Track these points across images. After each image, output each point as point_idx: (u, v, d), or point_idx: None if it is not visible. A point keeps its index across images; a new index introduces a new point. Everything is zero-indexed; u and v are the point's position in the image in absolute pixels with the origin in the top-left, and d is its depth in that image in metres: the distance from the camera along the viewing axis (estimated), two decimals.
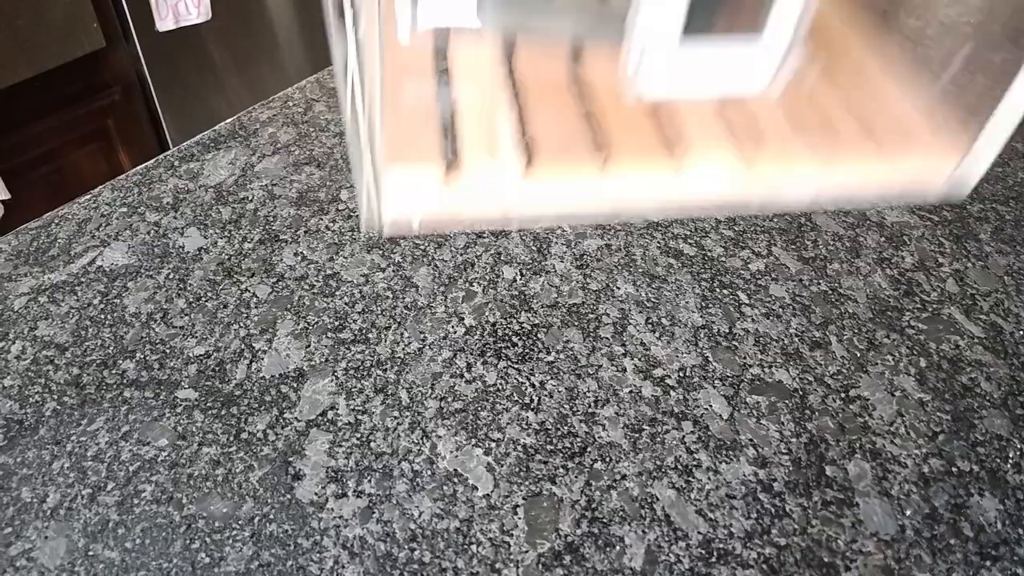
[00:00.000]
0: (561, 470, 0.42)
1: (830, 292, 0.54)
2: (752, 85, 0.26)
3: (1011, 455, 0.44)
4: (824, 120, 0.30)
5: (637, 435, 0.44)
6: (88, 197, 0.63)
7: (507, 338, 0.49)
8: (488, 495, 0.41)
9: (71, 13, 1.34)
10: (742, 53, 0.25)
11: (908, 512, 0.41)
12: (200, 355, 0.49)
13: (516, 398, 0.46)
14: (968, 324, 0.54)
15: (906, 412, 0.47)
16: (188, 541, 0.38)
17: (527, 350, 0.49)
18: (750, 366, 0.48)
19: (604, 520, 0.40)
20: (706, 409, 0.46)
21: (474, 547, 0.39)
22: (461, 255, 0.55)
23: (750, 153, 0.28)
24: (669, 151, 0.28)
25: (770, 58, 0.25)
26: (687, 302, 0.50)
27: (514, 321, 0.50)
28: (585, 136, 0.29)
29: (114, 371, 0.48)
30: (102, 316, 0.52)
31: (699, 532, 0.40)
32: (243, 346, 0.50)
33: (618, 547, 0.39)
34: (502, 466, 0.42)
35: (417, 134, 0.28)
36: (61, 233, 0.59)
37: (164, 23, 1.49)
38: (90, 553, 0.38)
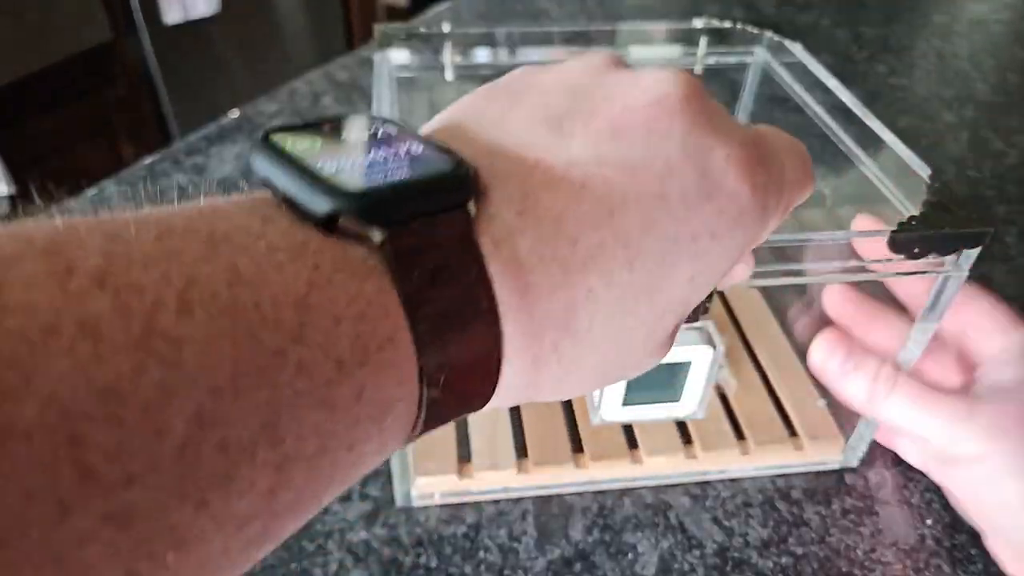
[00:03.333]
0: None
1: None
2: (681, 415, 0.39)
3: None
4: (747, 422, 0.43)
5: None
6: (94, 191, 0.63)
7: None
8: (497, 500, 0.40)
9: (78, 5, 1.33)
10: (667, 410, 0.38)
11: (929, 521, 0.40)
12: None
13: None
14: None
15: None
16: None
17: None
18: None
19: (616, 527, 0.39)
20: None
21: (482, 553, 0.38)
22: None
23: (690, 450, 0.41)
24: (627, 452, 0.41)
25: (687, 411, 0.39)
26: None
27: None
28: (564, 443, 0.41)
29: None
30: None
31: (714, 540, 0.39)
32: None
33: (630, 555, 0.38)
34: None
35: (438, 442, 0.41)
36: None
37: (171, 15, 1.48)
38: None
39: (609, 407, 0.37)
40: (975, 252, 0.32)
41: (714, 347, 0.35)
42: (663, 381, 0.36)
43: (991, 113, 0.78)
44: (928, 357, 0.39)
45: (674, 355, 0.35)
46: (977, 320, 0.35)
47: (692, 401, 0.37)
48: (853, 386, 0.34)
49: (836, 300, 0.40)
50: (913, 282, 0.36)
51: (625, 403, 0.37)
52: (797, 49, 0.47)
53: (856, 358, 0.34)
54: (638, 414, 0.38)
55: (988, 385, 0.33)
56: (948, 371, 0.39)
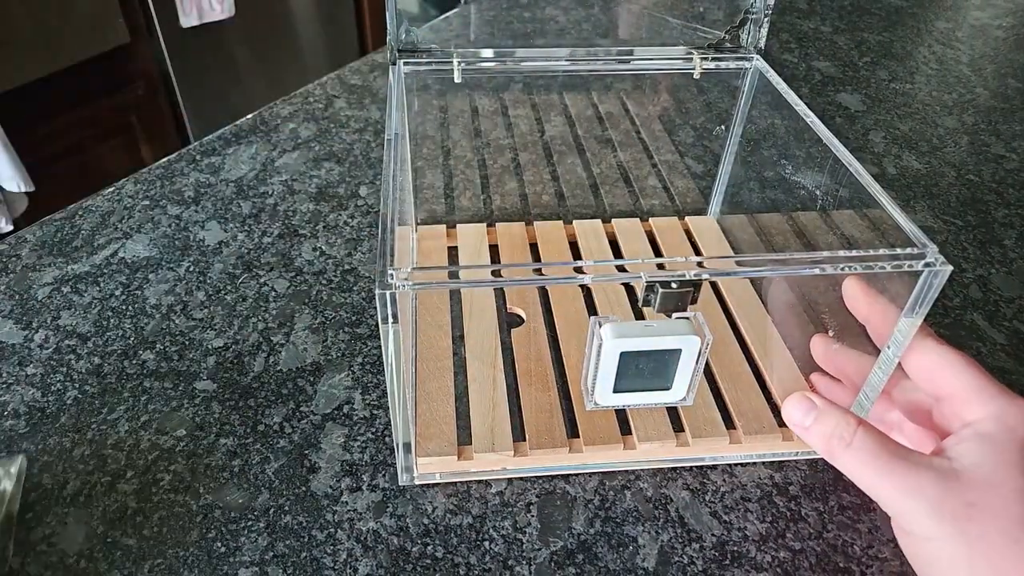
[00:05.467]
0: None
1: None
2: (671, 401, 0.40)
3: None
4: (737, 412, 0.44)
5: None
6: (111, 190, 0.64)
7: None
8: (502, 492, 0.41)
9: (97, 8, 1.35)
10: (658, 397, 0.39)
11: None
12: (219, 347, 0.49)
13: None
14: (991, 331, 0.53)
15: None
16: (204, 530, 0.39)
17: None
18: None
19: (617, 520, 0.40)
20: None
21: (487, 543, 0.39)
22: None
23: (681, 437, 0.43)
24: (620, 438, 0.42)
25: (677, 397, 0.39)
26: None
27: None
28: (560, 428, 0.43)
29: (134, 361, 0.48)
30: (123, 307, 0.52)
31: (713, 534, 0.40)
32: (261, 339, 0.50)
33: (631, 547, 0.39)
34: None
35: (439, 425, 0.43)
36: (85, 225, 0.60)
37: (188, 19, 1.50)
38: (108, 540, 0.38)
39: (602, 393, 0.38)
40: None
41: (702, 336, 0.36)
42: (653, 369, 0.37)
43: (991, 118, 0.79)
44: (906, 415, 0.40)
45: (664, 343, 0.36)
46: (953, 386, 0.35)
47: (681, 388, 0.38)
48: (812, 439, 0.36)
49: (819, 350, 0.43)
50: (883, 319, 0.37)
51: (617, 390, 0.38)
52: (773, 77, 0.48)
53: (816, 413, 0.35)
54: (629, 400, 0.39)
55: (947, 460, 0.33)
56: (922, 435, 0.39)
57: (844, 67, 0.87)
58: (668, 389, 0.39)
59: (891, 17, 1.00)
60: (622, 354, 0.36)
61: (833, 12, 1.01)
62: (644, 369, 0.37)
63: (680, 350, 0.37)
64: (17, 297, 0.53)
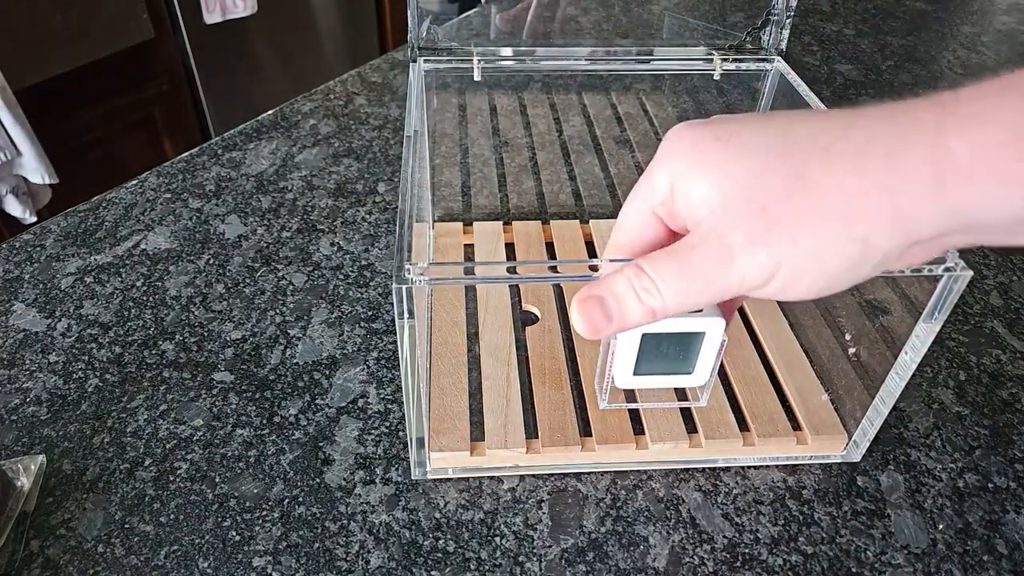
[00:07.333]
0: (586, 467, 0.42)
1: (864, 304, 0.53)
2: (692, 384, 0.37)
3: None
4: (752, 414, 0.44)
5: None
6: (134, 182, 0.65)
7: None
8: (513, 488, 0.41)
9: (122, 5, 1.37)
10: (679, 380, 0.37)
11: (940, 526, 0.40)
12: (237, 339, 0.50)
13: None
14: (1011, 339, 0.52)
15: (943, 425, 0.46)
16: (220, 519, 0.39)
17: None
18: None
19: (629, 519, 0.40)
20: None
21: (498, 539, 0.39)
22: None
23: (694, 439, 0.43)
24: (632, 438, 0.42)
25: (699, 382, 0.37)
26: None
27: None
28: (573, 427, 0.43)
29: (154, 351, 0.49)
30: (144, 298, 0.53)
31: (724, 536, 0.39)
32: (278, 332, 0.51)
33: (642, 546, 0.39)
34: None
35: (453, 420, 0.43)
36: (108, 216, 0.61)
37: (211, 16, 1.52)
38: (126, 526, 0.39)
39: (621, 375, 0.37)
40: None
41: (725, 319, 0.35)
42: (676, 352, 0.36)
43: None
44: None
45: (687, 326, 0.35)
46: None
47: (704, 373, 0.37)
48: (630, 319, 0.29)
49: None
50: None
51: (637, 372, 0.37)
52: (795, 80, 0.48)
53: (611, 303, 0.29)
54: (649, 383, 0.37)
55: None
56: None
57: (867, 71, 0.87)
58: (689, 373, 0.37)
59: (915, 21, 0.99)
60: (644, 336, 0.35)
61: (856, 15, 1.00)
62: (667, 352, 0.36)
63: (704, 333, 0.36)
64: (41, 286, 0.54)
